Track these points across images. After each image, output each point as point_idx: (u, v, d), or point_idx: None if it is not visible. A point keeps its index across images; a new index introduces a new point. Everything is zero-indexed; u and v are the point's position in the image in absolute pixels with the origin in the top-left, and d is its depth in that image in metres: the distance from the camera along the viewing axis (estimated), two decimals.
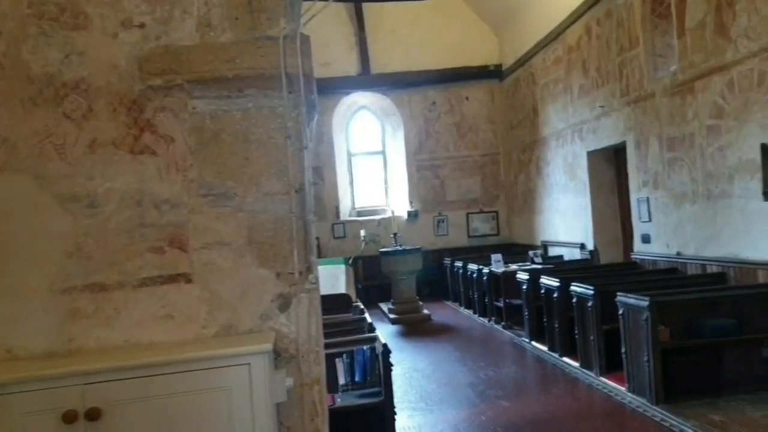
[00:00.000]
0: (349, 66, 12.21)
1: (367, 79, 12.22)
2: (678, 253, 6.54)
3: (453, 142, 12.76)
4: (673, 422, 4.23)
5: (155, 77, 2.12)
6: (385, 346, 4.16)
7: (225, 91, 2.14)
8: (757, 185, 5.30)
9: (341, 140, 12.71)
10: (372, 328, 4.78)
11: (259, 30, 2.17)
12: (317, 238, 11.90)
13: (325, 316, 4.65)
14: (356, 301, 6.02)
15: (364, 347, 4.25)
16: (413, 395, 5.61)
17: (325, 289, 3.81)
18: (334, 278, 3.99)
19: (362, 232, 8.20)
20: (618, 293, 5.08)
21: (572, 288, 5.96)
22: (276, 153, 2.14)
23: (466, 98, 12.68)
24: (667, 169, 6.64)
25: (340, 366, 4.28)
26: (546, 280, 6.74)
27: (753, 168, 5.33)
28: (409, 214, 12.53)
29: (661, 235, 6.88)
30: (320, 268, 4.22)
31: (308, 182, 2.19)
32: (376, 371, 4.20)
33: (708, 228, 6.01)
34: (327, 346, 4.34)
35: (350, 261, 4.24)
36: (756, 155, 5.27)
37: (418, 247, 10.40)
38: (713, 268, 5.89)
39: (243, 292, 2.14)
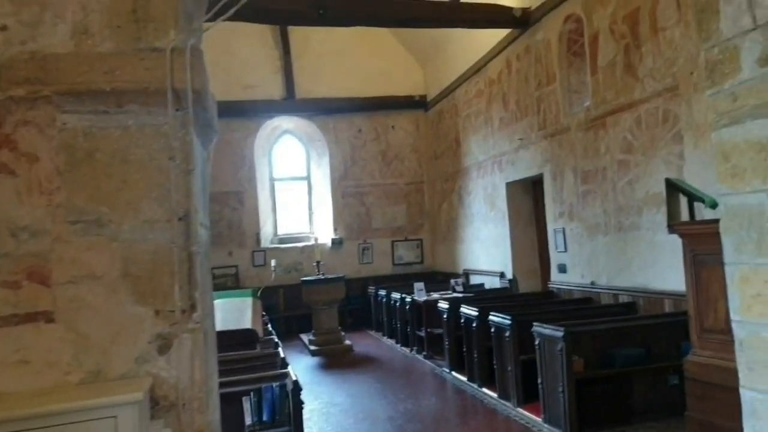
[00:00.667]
0: (274, 90, 11.99)
1: (292, 103, 12.04)
2: (592, 283, 6.69)
3: (379, 170, 12.73)
4: None
5: (17, 87, 1.86)
6: (295, 383, 3.92)
7: (102, 106, 1.91)
8: (662, 218, 5.50)
9: (264, 165, 12.38)
10: (284, 364, 4.52)
11: (144, 41, 1.96)
12: (235, 266, 11.52)
13: (228, 353, 4.37)
14: (270, 335, 5.73)
15: (274, 384, 3.99)
16: None
17: (229, 323, 3.57)
18: (239, 312, 3.72)
19: (273, 262, 7.94)
20: (534, 323, 5.08)
21: (491, 318, 5.94)
22: (158, 176, 1.91)
23: (392, 127, 12.74)
24: (582, 201, 6.83)
25: (247, 405, 3.99)
26: (466, 310, 6.71)
27: (659, 201, 5.53)
28: (334, 241, 12.32)
29: (576, 265, 7.03)
30: (224, 301, 3.97)
31: (197, 209, 1.97)
32: (286, 410, 3.95)
33: (619, 259, 6.19)
34: (232, 384, 4.07)
35: (259, 293, 4.00)
36: (661, 189, 5.47)
37: (341, 275, 10.18)
38: (624, 298, 6.04)
39: (115, 333, 1.88)
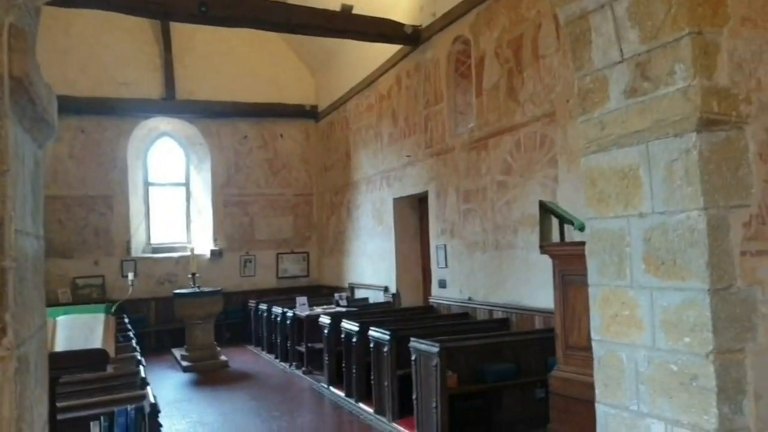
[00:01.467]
0: (152, 88, 11.25)
1: (171, 104, 11.35)
2: (469, 299, 6.84)
3: (265, 179, 12.34)
4: None
5: None
6: (153, 405, 3.55)
7: None
8: (536, 238, 5.72)
9: (137, 168, 11.52)
10: (144, 384, 4.11)
11: None
12: (101, 277, 10.58)
13: (74, 376, 3.89)
14: (133, 352, 5.24)
15: (129, 407, 3.59)
16: None
17: (76, 343, 3.18)
18: (88, 330, 3.31)
19: (130, 275, 7.38)
20: (412, 339, 5.06)
21: (371, 332, 5.87)
22: None
23: (281, 135, 12.43)
24: (463, 219, 6.98)
25: (96, 431, 3.56)
26: (347, 325, 6.58)
27: (533, 222, 5.76)
28: (213, 252, 11.71)
29: (456, 281, 7.17)
30: (70, 318, 3.53)
31: (13, 216, 1.65)
32: None
33: (495, 276, 6.37)
34: (78, 408, 3.62)
35: (113, 309, 3.62)
36: (536, 210, 5.70)
37: (218, 289, 9.68)
38: (499, 314, 6.22)
39: None
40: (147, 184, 11.72)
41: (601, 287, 2.98)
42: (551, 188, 5.55)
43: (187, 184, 12.14)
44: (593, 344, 3.03)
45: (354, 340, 6.30)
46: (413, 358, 4.94)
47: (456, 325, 6.10)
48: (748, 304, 2.46)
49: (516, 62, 6.13)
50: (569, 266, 4.05)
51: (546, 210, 4.48)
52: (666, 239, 2.59)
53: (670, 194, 2.57)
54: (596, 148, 3.03)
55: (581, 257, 4.15)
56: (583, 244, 4.34)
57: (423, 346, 4.81)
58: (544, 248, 4.31)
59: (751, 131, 2.55)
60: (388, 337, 5.49)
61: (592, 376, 3.97)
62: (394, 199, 8.84)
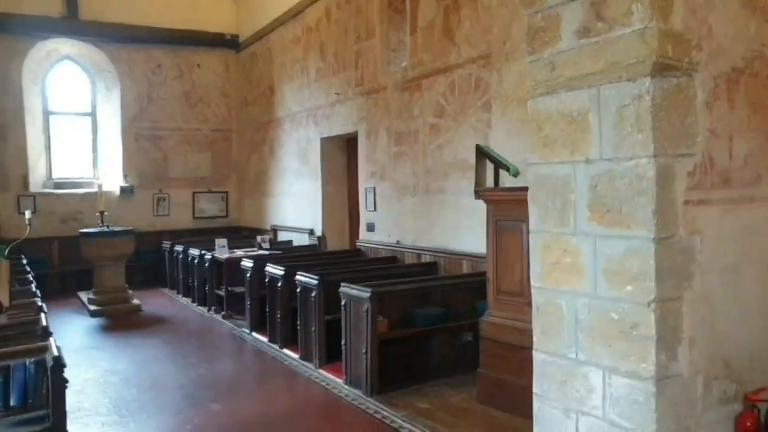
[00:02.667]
0: (51, 5, 10.04)
1: (74, 24, 10.21)
2: (398, 242, 6.79)
3: (181, 112, 11.56)
4: (386, 413, 4.22)
5: None
6: (57, 358, 3.22)
7: None
8: (466, 183, 5.68)
9: (34, 94, 10.39)
10: (47, 334, 3.74)
11: None
12: None
13: None
14: (33, 297, 4.79)
15: (27, 361, 3.25)
16: (105, 405, 4.67)
17: None
18: None
19: (27, 213, 6.75)
20: (342, 284, 4.94)
21: (297, 277, 5.69)
22: None
23: (198, 65, 11.59)
24: (394, 162, 6.82)
25: None
26: (271, 269, 6.36)
27: (465, 167, 5.70)
28: (123, 189, 10.94)
29: (384, 225, 7.07)
30: None
31: None
32: (44, 390, 3.25)
33: (425, 220, 6.32)
34: None
35: (6, 251, 3.20)
36: (468, 155, 5.63)
37: (130, 228, 9.08)
38: (427, 258, 6.21)
39: None
40: (47, 113, 10.62)
41: (542, 234, 2.93)
42: (484, 133, 5.47)
43: (93, 115, 11.14)
44: (532, 291, 3.01)
45: (279, 284, 6.10)
46: (343, 303, 4.83)
47: (385, 269, 6.03)
48: (687, 254, 2.48)
49: (453, 0, 5.88)
50: (504, 212, 4.01)
51: (482, 154, 4.39)
52: (613, 187, 2.54)
53: (619, 141, 2.50)
54: (544, 91, 2.91)
55: (516, 203, 4.13)
56: (518, 189, 4.30)
57: (354, 291, 4.70)
58: (479, 193, 4.24)
59: (700, 79, 2.50)
60: (316, 282, 5.33)
61: (523, 321, 4.03)
62: (322, 139, 8.52)
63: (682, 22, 2.39)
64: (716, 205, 2.55)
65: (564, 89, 2.77)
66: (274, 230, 10.22)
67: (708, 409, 2.51)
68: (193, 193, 11.75)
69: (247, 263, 7.03)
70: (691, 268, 2.47)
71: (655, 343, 2.32)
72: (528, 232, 3.64)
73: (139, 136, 11.22)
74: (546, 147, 2.87)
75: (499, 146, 5.10)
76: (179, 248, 9.61)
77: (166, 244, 10.32)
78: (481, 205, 5.02)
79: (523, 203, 3.80)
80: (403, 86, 6.63)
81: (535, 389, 2.93)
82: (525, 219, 3.88)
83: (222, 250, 8.24)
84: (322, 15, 8.39)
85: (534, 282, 2.97)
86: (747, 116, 2.63)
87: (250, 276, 6.93)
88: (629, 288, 2.45)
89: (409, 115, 6.54)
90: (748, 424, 2.54)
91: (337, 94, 7.97)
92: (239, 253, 8.21)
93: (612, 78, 2.50)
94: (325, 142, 8.50)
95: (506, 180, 4.74)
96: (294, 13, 9.15)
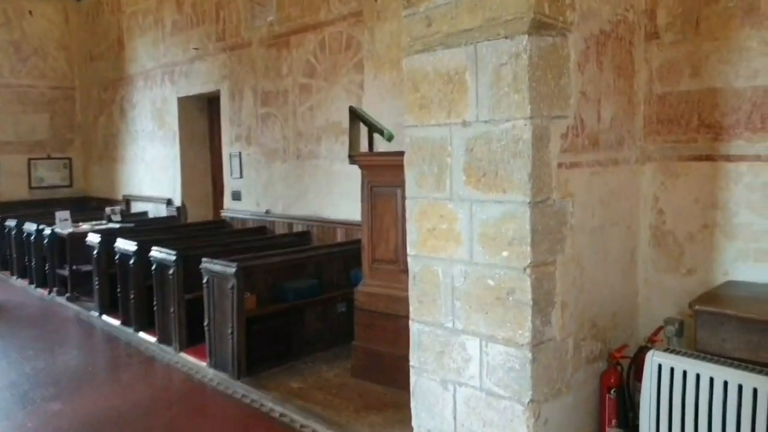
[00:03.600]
0: None
1: None
2: (267, 212, 6.43)
3: (10, 67, 10.01)
4: (254, 397, 3.94)
5: None
6: None
7: None
8: (340, 147, 5.46)
9: None
10: None
11: None
12: None
13: None
14: None
15: None
16: None
17: None
18: None
19: None
20: (203, 259, 4.52)
21: (152, 253, 5.14)
22: None
23: (30, 12, 10.08)
24: (261, 124, 6.40)
25: None
26: (122, 244, 5.71)
27: (338, 130, 5.46)
28: None
29: (252, 193, 6.66)
30: None
31: None
32: None
33: (296, 187, 6.02)
34: None
35: None
36: (341, 118, 5.40)
37: None
38: (299, 227, 5.93)
39: None
40: None
41: (418, 200, 2.80)
42: (357, 95, 5.25)
43: None
44: (409, 260, 2.87)
45: (131, 261, 5.50)
46: (205, 280, 4.42)
47: (253, 241, 5.64)
48: (560, 217, 2.46)
49: None
50: (379, 177, 3.85)
51: (355, 117, 4.17)
52: (489, 149, 2.44)
53: (496, 102, 2.40)
54: (420, 48, 2.74)
55: (391, 168, 3.97)
56: (394, 154, 4.14)
57: (217, 267, 4.31)
58: (353, 158, 4.03)
59: (573, 39, 2.46)
60: (173, 258, 4.85)
61: (398, 289, 3.92)
62: (179, 99, 7.79)
63: None
64: (586, 167, 2.56)
65: (441, 46, 2.61)
66: (127, 201, 9.31)
67: (576, 370, 2.56)
68: (29, 159, 10.32)
69: (94, 238, 6.27)
70: (563, 232, 2.47)
71: (531, 308, 2.29)
72: (404, 198, 3.52)
73: None
74: (422, 109, 2.71)
75: (372, 109, 4.91)
76: (11, 223, 8.39)
77: None
78: (356, 171, 4.83)
79: (399, 168, 3.65)
80: (270, 42, 6.19)
81: (411, 361, 2.83)
82: (400, 185, 3.73)
83: (64, 224, 7.31)
84: None
85: (410, 249, 2.84)
86: (613, 79, 2.65)
87: (97, 252, 6.20)
88: (505, 254, 2.40)
89: (277, 73, 6.13)
90: (612, 380, 2.63)
91: (196, 49, 7.29)
92: (85, 227, 7.33)
93: (490, 35, 2.38)
94: (184, 102, 7.79)
95: (381, 144, 4.58)
96: None
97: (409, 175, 2.78)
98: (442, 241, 2.63)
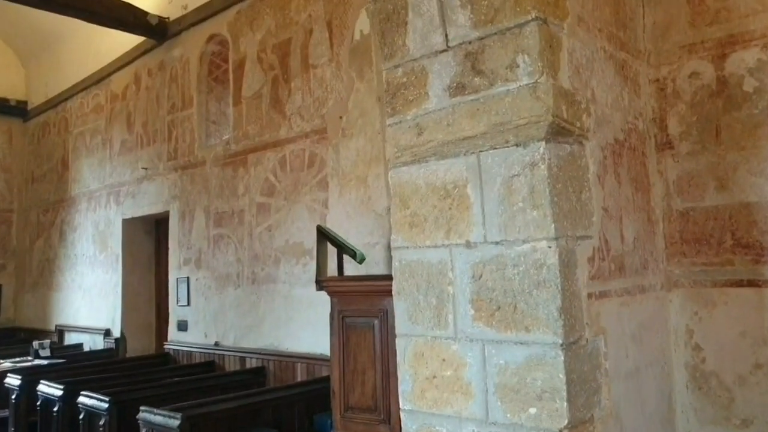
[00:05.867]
0: None
1: None
2: (216, 344, 5.70)
3: None
4: None
5: None
6: None
7: None
8: (301, 270, 4.96)
9: None
10: None
11: None
12: None
13: None
14: None
15: None
16: None
17: None
18: None
19: None
20: (142, 408, 3.77)
21: (81, 399, 4.34)
22: None
23: None
24: (213, 246, 5.86)
25: None
26: (45, 387, 4.86)
27: (299, 252, 5.00)
28: None
29: (200, 322, 5.96)
30: None
31: None
32: None
33: (250, 315, 5.38)
34: None
35: None
36: (303, 238, 4.96)
37: None
38: (253, 362, 5.22)
39: None
40: None
41: (413, 339, 2.28)
42: (321, 213, 4.85)
43: None
44: (402, 416, 2.29)
45: (56, 408, 4.63)
46: None
47: (200, 381, 4.88)
48: (594, 360, 1.99)
49: (283, 70, 5.36)
50: (352, 306, 3.32)
51: (323, 237, 3.72)
52: (503, 277, 2.01)
53: (509, 219, 2.01)
54: (409, 159, 2.36)
55: (368, 295, 3.47)
56: (369, 279, 3.65)
57: (158, 418, 3.57)
58: (321, 284, 3.52)
59: (590, 148, 2.14)
60: (106, 405, 4.07)
61: None
62: (124, 220, 7.22)
63: (569, 81, 2.03)
64: (615, 297, 2.14)
65: (434, 157, 2.25)
66: (60, 331, 8.34)
67: None
68: None
69: (14, 379, 5.37)
70: (598, 379, 1.99)
71: None
72: (382, 332, 2.98)
73: None
74: (414, 227, 2.29)
75: (338, 228, 4.48)
76: None
77: None
78: (319, 296, 4.30)
79: (376, 296, 3.16)
80: (225, 161, 5.83)
81: None
82: (377, 315, 3.24)
83: None
84: (131, 82, 7.36)
85: (404, 403, 2.27)
86: (632, 193, 2.33)
87: (16, 397, 5.28)
88: (533, 411, 1.88)
89: (232, 192, 5.71)
90: None
91: (145, 168, 6.87)
92: (6, 364, 6.38)
93: (496, 142, 2.03)
94: (129, 224, 7.22)
95: (349, 268, 4.10)
96: (97, 79, 7.97)
97: (400, 307, 2.28)
98: (446, 393, 2.10)
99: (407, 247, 2.26)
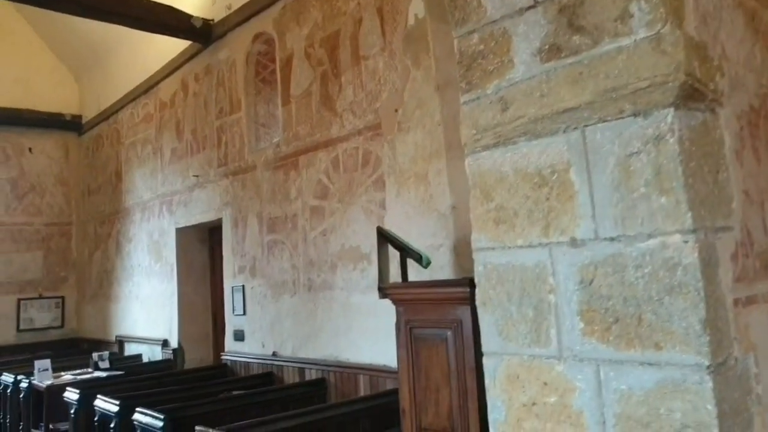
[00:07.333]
0: None
1: None
2: (274, 354, 5.47)
3: (6, 204, 9.57)
4: None
5: None
6: None
7: None
8: (359, 276, 4.65)
9: None
10: None
11: None
12: None
13: None
14: None
15: None
16: None
17: None
18: None
19: None
20: (197, 427, 3.53)
21: (137, 416, 4.16)
22: None
23: (30, 149, 9.79)
24: (267, 253, 5.63)
25: None
26: (102, 402, 4.72)
27: (356, 256, 4.69)
28: None
29: (257, 332, 5.74)
30: None
31: None
32: None
33: (308, 324, 5.11)
34: None
35: None
36: (360, 242, 4.65)
37: None
38: (312, 373, 4.95)
39: None
40: None
41: (504, 357, 1.91)
42: (378, 215, 4.53)
43: None
44: None
45: (112, 425, 4.49)
46: None
47: (258, 395, 4.62)
48: (744, 384, 1.57)
49: (332, 64, 5.08)
50: (421, 315, 2.97)
51: (385, 240, 3.38)
52: (622, 282, 1.61)
53: (627, 209, 1.61)
54: (492, 141, 1.99)
55: (439, 304, 3.13)
56: (440, 284, 3.30)
57: None
58: (384, 291, 3.18)
59: (725, 117, 1.73)
60: (161, 423, 3.87)
61: None
62: (177, 229, 7.12)
63: (696, 33, 1.62)
64: (762, 303, 1.70)
65: (525, 137, 1.87)
66: (120, 342, 8.35)
67: None
68: (19, 299, 9.55)
69: (72, 394, 5.28)
70: (750, 408, 1.56)
71: None
72: (456, 344, 2.61)
73: None
74: (501, 224, 1.92)
75: (397, 230, 4.14)
76: None
77: None
78: (380, 304, 3.99)
79: (447, 304, 2.80)
80: (276, 164, 5.60)
81: None
82: (450, 326, 2.88)
83: (43, 375, 6.33)
84: (179, 89, 7.27)
85: None
86: None
87: (75, 412, 5.19)
88: None
89: (284, 197, 5.46)
90: None
91: (196, 176, 6.73)
92: (67, 377, 6.36)
93: (607, 113, 1.64)
94: (182, 233, 7.11)
95: (414, 272, 3.74)
96: (146, 88, 7.94)
97: (487, 320, 1.91)
98: (549, 424, 1.71)
99: (493, 248, 1.89)
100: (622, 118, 1.58)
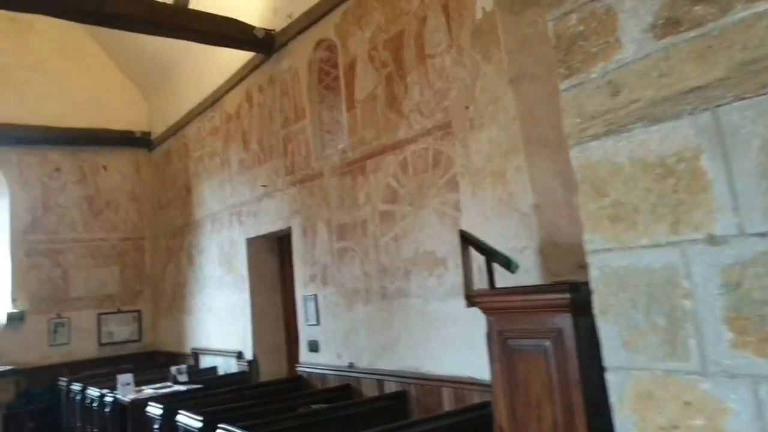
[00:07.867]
0: None
1: None
2: (350, 365, 5.36)
3: (83, 221, 9.95)
4: None
5: None
6: None
7: None
8: (435, 282, 4.47)
9: None
10: None
11: None
12: None
13: None
14: None
15: None
16: None
17: None
18: None
19: None
20: None
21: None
22: None
23: (104, 167, 10.17)
24: (338, 260, 5.55)
25: None
26: (184, 418, 4.75)
27: (431, 262, 4.51)
28: (11, 316, 9.03)
29: (331, 342, 5.66)
30: None
31: None
32: None
33: (383, 333, 4.98)
34: None
35: None
36: (434, 246, 4.47)
37: (9, 367, 7.20)
38: (392, 386, 4.80)
39: None
40: None
41: (632, 373, 1.68)
42: (452, 217, 4.34)
43: None
44: None
45: None
46: None
47: (338, 410, 4.51)
48: None
49: (396, 65, 4.94)
50: (515, 325, 2.77)
51: (468, 244, 3.20)
52: None
53: None
54: (602, 129, 1.77)
55: (532, 312, 2.90)
56: (530, 291, 3.09)
57: None
58: (472, 299, 3.00)
59: None
60: None
61: None
62: (248, 240, 7.17)
63: None
64: None
65: (641, 122, 1.65)
66: (196, 354, 8.50)
67: None
68: (99, 314, 9.89)
69: (155, 409, 5.36)
70: None
71: None
72: (557, 356, 2.40)
73: (33, 252, 9.47)
74: (618, 222, 1.71)
75: (475, 233, 3.94)
76: (76, 387, 7.70)
77: (63, 382, 8.36)
78: (458, 312, 3.83)
79: (544, 312, 2.58)
80: (343, 170, 5.51)
81: None
82: (549, 335, 2.66)
83: (125, 389, 6.49)
84: (243, 100, 7.34)
85: None
86: None
87: (159, 428, 5.25)
88: None
89: (352, 203, 5.37)
90: None
91: (264, 186, 6.75)
92: (148, 391, 6.49)
93: (745, 90, 1.40)
94: (252, 243, 7.15)
95: (497, 277, 3.53)
96: (211, 102, 8.07)
97: (608, 331, 1.69)
98: None
99: (611, 250, 1.67)
100: (766, 94, 1.35)
